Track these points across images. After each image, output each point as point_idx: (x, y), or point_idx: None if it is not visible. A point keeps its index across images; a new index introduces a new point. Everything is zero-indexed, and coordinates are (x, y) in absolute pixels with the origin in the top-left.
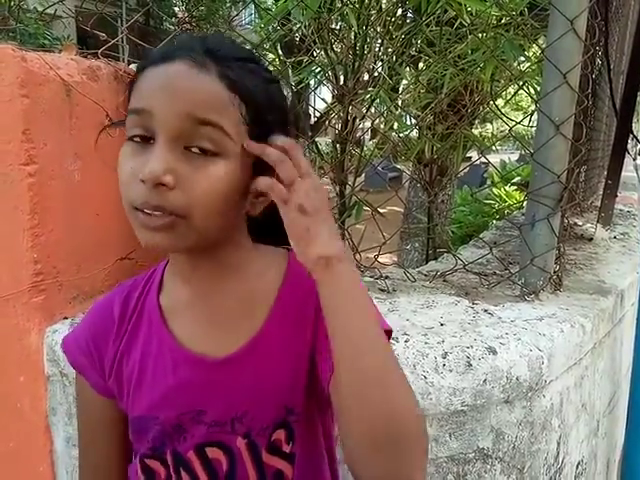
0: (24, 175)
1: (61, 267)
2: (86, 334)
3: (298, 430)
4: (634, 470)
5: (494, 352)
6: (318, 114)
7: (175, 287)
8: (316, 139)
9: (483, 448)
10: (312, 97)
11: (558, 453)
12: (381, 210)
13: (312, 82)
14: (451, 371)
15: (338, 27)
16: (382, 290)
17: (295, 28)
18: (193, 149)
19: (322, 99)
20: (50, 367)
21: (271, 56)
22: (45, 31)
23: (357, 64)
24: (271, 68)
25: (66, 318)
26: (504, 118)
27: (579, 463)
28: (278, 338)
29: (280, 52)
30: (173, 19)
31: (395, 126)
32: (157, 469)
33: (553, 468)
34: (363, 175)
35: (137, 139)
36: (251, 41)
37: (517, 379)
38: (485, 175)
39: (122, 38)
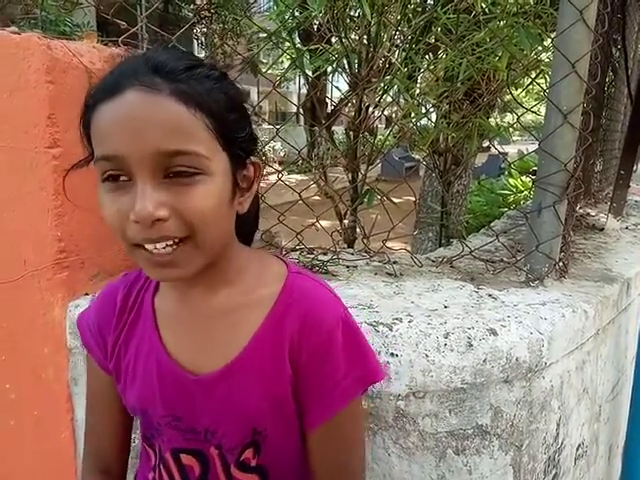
0: (49, 158)
1: (83, 246)
2: (93, 317)
3: (266, 444)
4: (636, 456)
5: (495, 333)
6: (335, 102)
7: (168, 294)
8: (333, 128)
9: (482, 425)
10: (330, 85)
11: (558, 434)
12: (397, 200)
13: (329, 69)
14: (452, 350)
15: (356, 14)
16: (389, 274)
17: (312, 15)
18: (172, 177)
19: (336, 87)
20: (72, 340)
21: (287, 44)
22: (65, 18)
23: (371, 52)
24: (287, 56)
25: (87, 294)
26: (518, 107)
27: (579, 445)
28: (255, 365)
29: (298, 40)
30: (192, 6)
31: (412, 114)
32: (150, 455)
33: (552, 448)
34: (380, 165)
35: (111, 180)
36: (267, 29)
37: (517, 360)
38: (503, 166)
39: (141, 26)
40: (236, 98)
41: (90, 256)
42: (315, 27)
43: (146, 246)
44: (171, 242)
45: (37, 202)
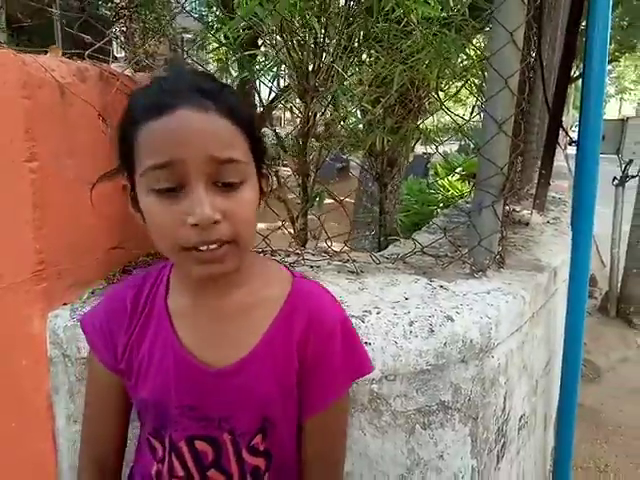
0: (27, 171)
1: (61, 257)
2: (102, 317)
3: (272, 430)
4: (566, 424)
5: (451, 319)
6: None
7: (182, 294)
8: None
9: (444, 401)
10: (258, 86)
11: (505, 407)
12: (331, 201)
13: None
14: (417, 336)
15: (298, 25)
16: (351, 272)
17: (247, 24)
18: (220, 186)
19: (271, 88)
20: (53, 349)
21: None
22: None
23: (318, 63)
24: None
25: (65, 304)
26: (451, 114)
27: (522, 417)
28: (267, 358)
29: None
30: (109, 4)
31: (346, 119)
32: (157, 448)
33: (501, 419)
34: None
35: (162, 190)
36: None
37: (471, 342)
38: (428, 166)
39: (59, 24)
40: (253, 112)
41: (67, 266)
42: (245, 32)
43: (201, 248)
44: (221, 243)
45: (15, 215)
